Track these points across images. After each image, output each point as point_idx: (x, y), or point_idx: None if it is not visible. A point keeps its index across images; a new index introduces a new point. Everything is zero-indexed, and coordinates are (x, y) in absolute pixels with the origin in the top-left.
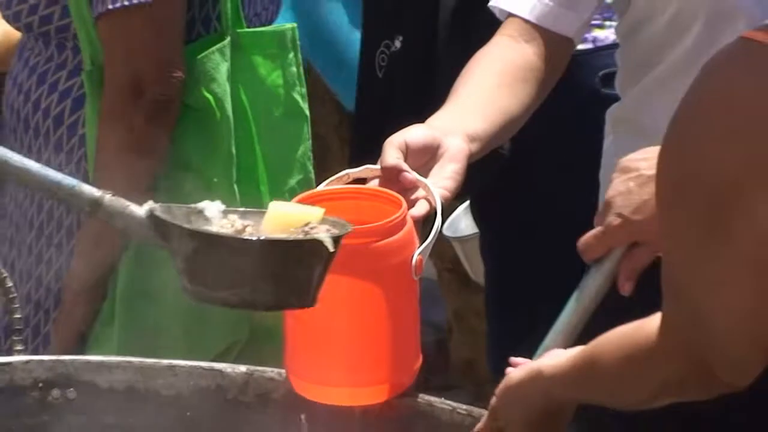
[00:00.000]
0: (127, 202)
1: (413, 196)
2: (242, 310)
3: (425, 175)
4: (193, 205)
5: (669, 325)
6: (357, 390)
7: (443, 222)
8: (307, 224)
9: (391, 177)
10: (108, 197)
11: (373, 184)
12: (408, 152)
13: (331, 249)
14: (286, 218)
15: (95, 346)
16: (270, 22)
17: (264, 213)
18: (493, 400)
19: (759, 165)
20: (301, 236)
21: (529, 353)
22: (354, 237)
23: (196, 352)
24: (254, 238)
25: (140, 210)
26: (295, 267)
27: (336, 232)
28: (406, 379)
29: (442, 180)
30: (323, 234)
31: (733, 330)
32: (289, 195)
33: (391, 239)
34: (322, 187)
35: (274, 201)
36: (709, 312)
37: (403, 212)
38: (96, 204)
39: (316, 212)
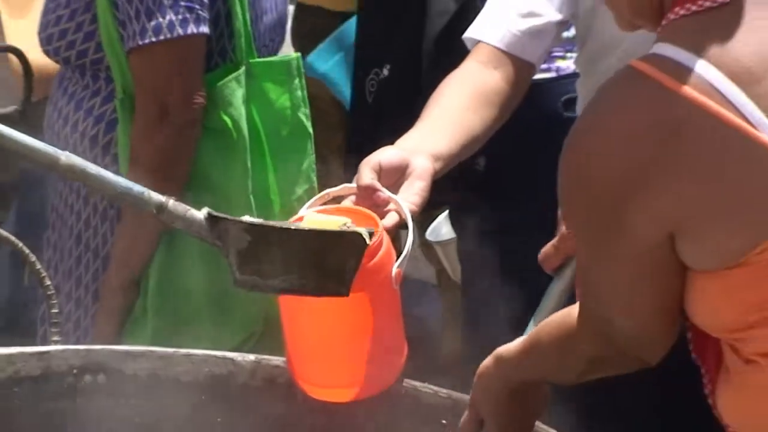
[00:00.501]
0: (187, 207)
1: (385, 209)
2: (260, 307)
3: (395, 190)
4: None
5: (583, 315)
6: (350, 390)
7: (427, 228)
8: (344, 224)
9: (366, 195)
10: (171, 202)
11: (350, 199)
12: (381, 172)
13: (368, 241)
14: (322, 224)
15: (130, 337)
16: (276, 52)
17: (298, 225)
18: (471, 392)
19: (632, 176)
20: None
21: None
22: None
23: (219, 343)
24: (306, 228)
25: (199, 213)
26: (337, 255)
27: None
28: (393, 375)
29: (411, 196)
30: (361, 228)
31: (631, 319)
32: (297, 203)
33: (373, 261)
34: (304, 209)
35: (307, 212)
36: (609, 305)
37: (380, 235)
38: (161, 207)
39: (344, 220)
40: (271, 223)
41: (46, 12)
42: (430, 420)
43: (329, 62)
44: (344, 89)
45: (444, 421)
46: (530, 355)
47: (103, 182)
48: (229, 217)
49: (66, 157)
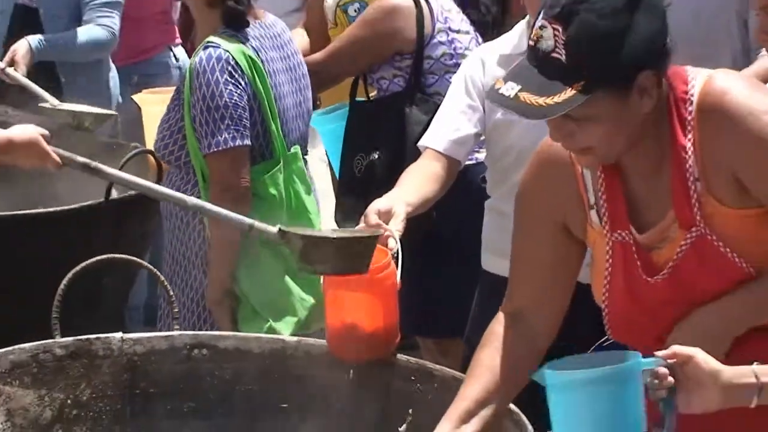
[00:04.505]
0: (268, 226)
1: (385, 236)
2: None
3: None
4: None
5: None
6: (364, 355)
7: None
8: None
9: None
10: (257, 223)
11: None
12: (380, 214)
13: (377, 241)
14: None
15: (245, 328)
16: (303, 138)
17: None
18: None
19: None
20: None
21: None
22: (369, 273)
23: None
24: (335, 236)
25: (274, 229)
26: (361, 248)
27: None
28: (390, 348)
29: (397, 226)
30: (370, 232)
31: None
32: None
33: (383, 273)
34: None
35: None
36: None
37: (388, 258)
38: (251, 227)
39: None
40: (315, 232)
41: (158, 132)
42: (403, 378)
43: (328, 126)
44: (333, 151)
45: (413, 378)
46: None
47: (218, 215)
48: (291, 230)
49: (191, 201)
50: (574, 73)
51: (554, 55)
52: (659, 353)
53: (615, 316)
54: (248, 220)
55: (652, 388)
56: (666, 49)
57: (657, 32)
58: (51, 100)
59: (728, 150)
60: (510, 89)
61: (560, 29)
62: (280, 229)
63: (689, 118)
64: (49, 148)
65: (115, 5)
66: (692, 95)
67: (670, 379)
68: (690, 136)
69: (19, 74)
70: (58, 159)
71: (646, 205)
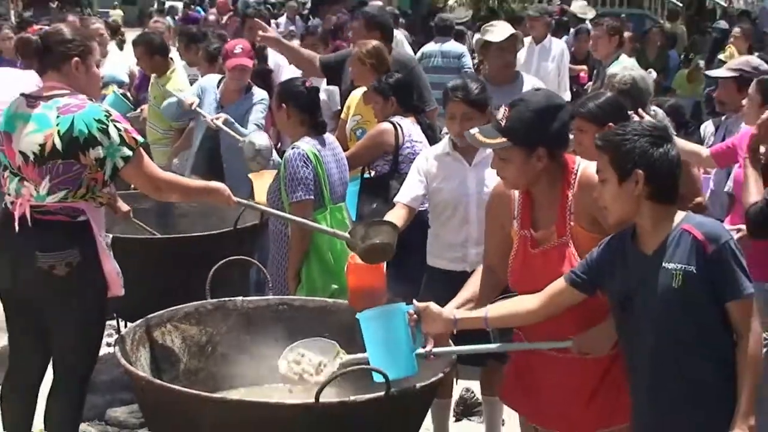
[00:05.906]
0: (345, 232)
1: None
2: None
3: None
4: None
5: None
6: (369, 305)
7: None
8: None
9: None
10: (340, 233)
11: None
12: None
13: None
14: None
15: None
16: (344, 196)
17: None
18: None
19: None
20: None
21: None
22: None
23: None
24: (384, 220)
25: (347, 234)
26: (391, 231)
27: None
28: (383, 302)
29: None
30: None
31: None
32: (345, 252)
33: (379, 266)
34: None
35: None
36: None
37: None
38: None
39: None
40: (373, 221)
41: (267, 193)
42: None
43: (348, 190)
44: (350, 203)
45: None
46: None
47: (322, 230)
48: (357, 224)
49: (311, 224)
50: (505, 132)
51: (501, 121)
52: (415, 303)
53: (514, 275)
54: (345, 234)
55: (408, 322)
56: (562, 139)
57: (558, 128)
58: (243, 138)
59: (591, 203)
60: (473, 131)
61: (508, 110)
62: (354, 227)
63: (573, 182)
64: (231, 195)
65: (263, 118)
66: (576, 171)
67: (416, 316)
68: (572, 191)
69: (221, 124)
70: (235, 201)
71: (542, 219)
